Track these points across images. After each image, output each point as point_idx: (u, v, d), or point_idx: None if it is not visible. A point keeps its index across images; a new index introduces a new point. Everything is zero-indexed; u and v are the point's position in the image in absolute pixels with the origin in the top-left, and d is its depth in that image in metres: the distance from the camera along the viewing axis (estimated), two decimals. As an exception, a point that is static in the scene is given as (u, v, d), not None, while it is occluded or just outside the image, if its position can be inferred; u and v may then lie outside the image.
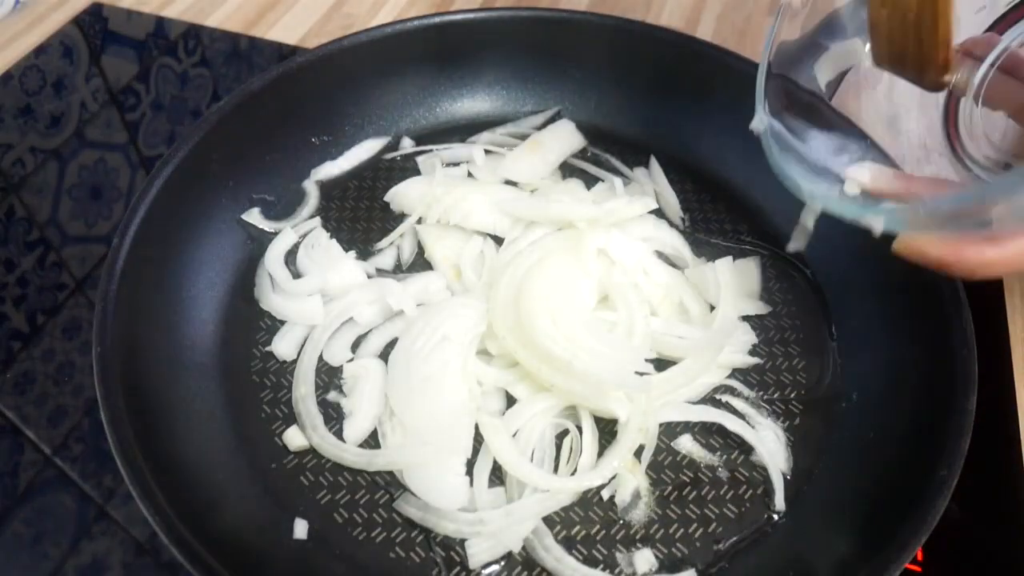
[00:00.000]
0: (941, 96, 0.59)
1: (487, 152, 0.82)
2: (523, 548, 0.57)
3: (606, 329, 0.64)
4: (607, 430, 0.62)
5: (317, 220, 0.77)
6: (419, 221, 0.76)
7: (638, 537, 0.58)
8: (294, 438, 0.63)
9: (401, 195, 0.78)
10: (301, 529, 0.58)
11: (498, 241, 0.74)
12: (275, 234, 0.75)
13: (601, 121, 0.86)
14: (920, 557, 0.60)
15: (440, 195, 0.76)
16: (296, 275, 0.72)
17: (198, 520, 0.53)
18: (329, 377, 0.67)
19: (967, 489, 0.53)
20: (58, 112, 0.93)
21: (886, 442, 0.61)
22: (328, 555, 0.57)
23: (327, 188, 0.80)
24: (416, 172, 0.82)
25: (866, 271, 0.71)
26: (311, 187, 0.80)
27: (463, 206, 0.75)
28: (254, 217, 0.76)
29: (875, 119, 0.89)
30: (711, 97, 0.80)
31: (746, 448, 0.63)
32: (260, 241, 0.75)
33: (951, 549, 0.60)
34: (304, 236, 0.76)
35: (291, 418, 0.64)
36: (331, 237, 0.75)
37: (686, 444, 0.63)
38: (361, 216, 0.79)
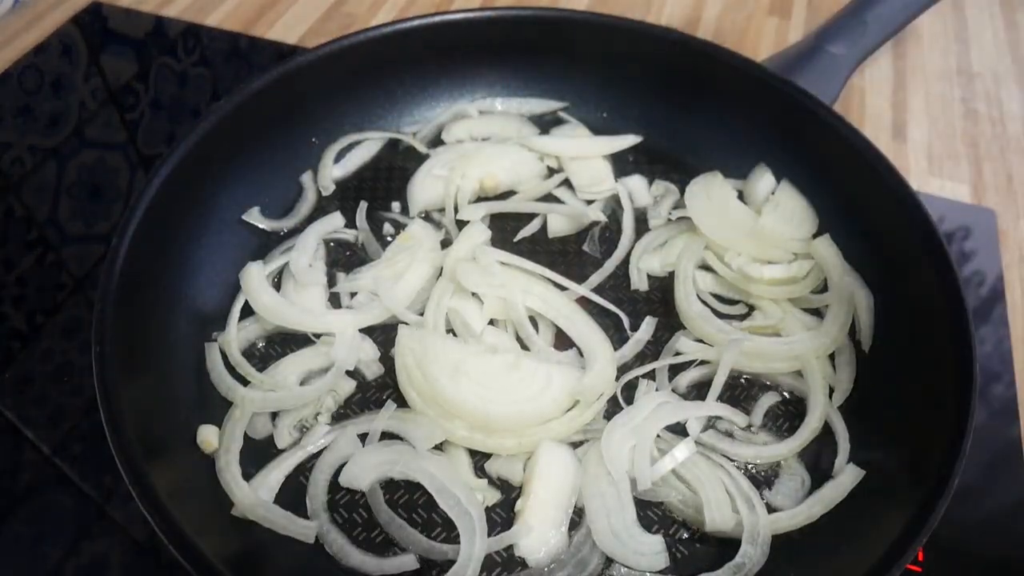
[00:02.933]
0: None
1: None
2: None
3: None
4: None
5: (338, 223, 0.77)
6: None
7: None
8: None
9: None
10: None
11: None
12: (272, 233, 0.76)
13: (600, 120, 0.85)
14: (920, 557, 0.60)
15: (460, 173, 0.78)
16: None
17: (198, 520, 0.53)
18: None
19: (967, 489, 0.53)
20: (57, 111, 0.92)
21: (887, 442, 0.61)
22: (327, 556, 0.57)
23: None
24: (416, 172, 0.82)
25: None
26: (310, 187, 0.80)
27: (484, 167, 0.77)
28: (254, 217, 0.76)
29: (879, 126, 0.89)
30: (710, 96, 0.81)
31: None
32: (259, 240, 0.75)
33: (951, 549, 0.60)
34: (323, 242, 0.76)
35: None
36: (324, 259, 0.74)
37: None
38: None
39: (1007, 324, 0.75)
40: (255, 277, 0.70)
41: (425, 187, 0.79)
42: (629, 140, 0.83)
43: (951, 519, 0.51)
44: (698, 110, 0.81)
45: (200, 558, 0.49)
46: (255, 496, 0.58)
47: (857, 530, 0.56)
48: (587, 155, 0.82)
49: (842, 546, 0.56)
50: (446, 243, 0.74)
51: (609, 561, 0.57)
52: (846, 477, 0.59)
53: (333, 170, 0.81)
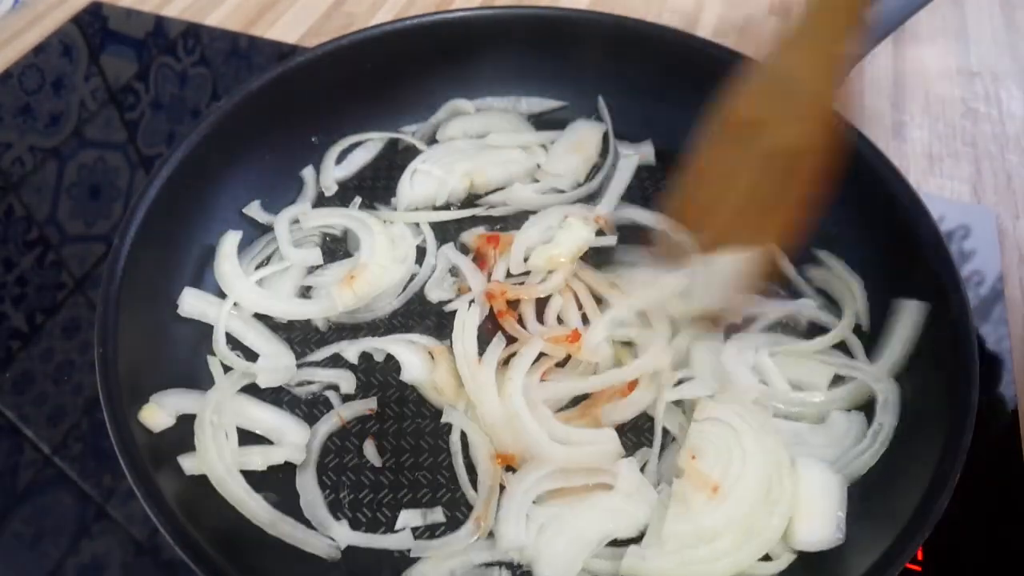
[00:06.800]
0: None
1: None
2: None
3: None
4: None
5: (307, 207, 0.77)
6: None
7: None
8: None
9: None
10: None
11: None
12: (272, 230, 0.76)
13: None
14: (920, 557, 0.60)
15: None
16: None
17: (200, 518, 0.53)
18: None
19: (967, 489, 0.53)
20: (57, 111, 0.92)
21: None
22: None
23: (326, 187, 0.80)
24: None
25: (867, 274, 0.71)
26: (311, 183, 0.80)
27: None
28: (254, 210, 0.76)
29: (879, 126, 0.89)
30: (710, 95, 0.80)
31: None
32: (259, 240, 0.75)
33: (951, 549, 0.60)
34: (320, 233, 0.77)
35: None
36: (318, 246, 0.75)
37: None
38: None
39: (1007, 324, 0.75)
40: (229, 256, 0.71)
41: (414, 184, 0.79)
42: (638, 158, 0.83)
43: (951, 519, 0.51)
44: (698, 109, 0.81)
45: (203, 556, 0.49)
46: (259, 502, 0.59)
47: (857, 530, 0.56)
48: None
49: (842, 545, 0.56)
50: (421, 247, 0.75)
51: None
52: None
53: (335, 171, 0.81)
